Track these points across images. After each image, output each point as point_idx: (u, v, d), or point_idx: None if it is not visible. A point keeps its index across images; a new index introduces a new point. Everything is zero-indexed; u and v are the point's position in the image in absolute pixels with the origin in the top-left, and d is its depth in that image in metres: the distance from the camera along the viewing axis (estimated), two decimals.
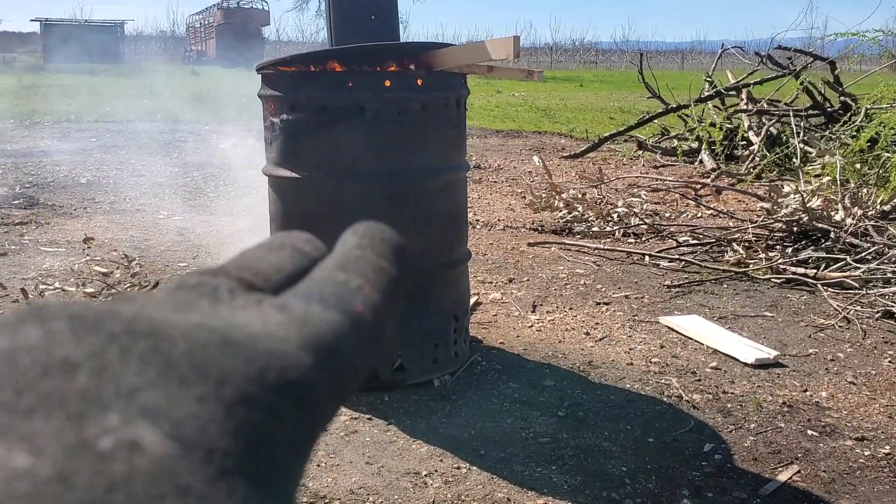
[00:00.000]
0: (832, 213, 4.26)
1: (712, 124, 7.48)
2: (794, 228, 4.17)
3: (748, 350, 2.82)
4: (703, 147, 7.29)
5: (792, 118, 6.72)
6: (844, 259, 3.71)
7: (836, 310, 3.25)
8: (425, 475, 2.03)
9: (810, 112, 7.34)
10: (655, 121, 8.34)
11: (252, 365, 0.20)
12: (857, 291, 3.43)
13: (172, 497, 0.17)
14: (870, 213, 4.28)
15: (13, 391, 0.18)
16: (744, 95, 7.74)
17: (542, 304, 3.39)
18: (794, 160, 5.83)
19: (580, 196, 5.29)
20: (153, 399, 0.18)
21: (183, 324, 0.21)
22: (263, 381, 0.20)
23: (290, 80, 2.47)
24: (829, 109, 7.34)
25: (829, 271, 3.65)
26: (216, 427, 0.18)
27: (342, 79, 2.42)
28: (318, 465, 2.06)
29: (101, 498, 0.16)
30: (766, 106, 7.62)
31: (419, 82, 2.47)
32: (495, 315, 3.24)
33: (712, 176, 6.49)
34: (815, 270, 3.65)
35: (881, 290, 3.40)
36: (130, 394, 0.18)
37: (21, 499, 0.16)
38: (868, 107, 6.43)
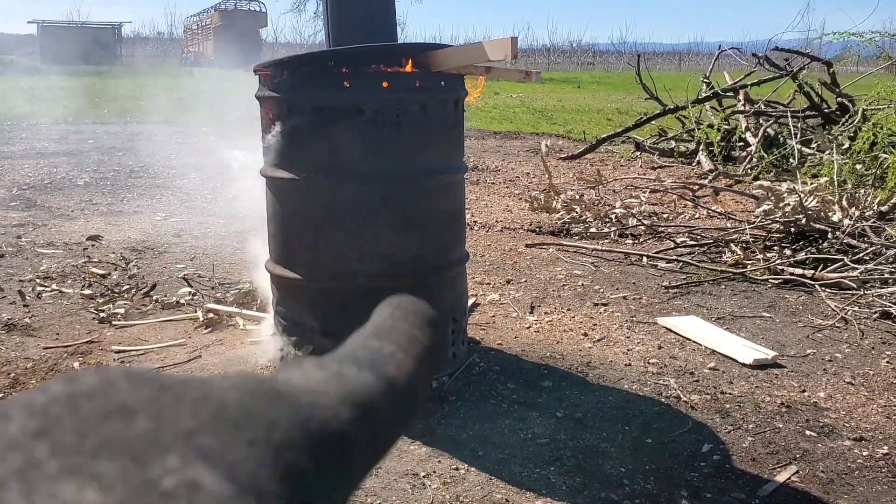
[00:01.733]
0: (830, 214, 4.27)
1: (710, 125, 7.49)
2: (792, 229, 4.18)
3: (746, 351, 2.82)
4: (701, 148, 7.30)
5: (790, 119, 6.73)
6: (842, 260, 3.72)
7: (834, 310, 3.26)
8: (423, 476, 2.03)
9: (807, 113, 7.35)
10: (653, 122, 8.35)
11: (297, 414, 0.22)
12: (854, 292, 3.43)
13: None
14: (867, 213, 4.29)
15: (77, 434, 0.19)
16: (741, 97, 7.75)
17: (540, 306, 3.39)
18: (792, 161, 5.84)
19: (578, 197, 5.29)
20: (208, 442, 0.20)
21: (230, 376, 0.23)
22: (307, 429, 0.22)
23: (287, 82, 2.46)
24: (826, 110, 7.35)
25: (827, 272, 3.65)
26: (267, 471, 0.20)
27: (340, 80, 2.42)
28: None
29: None
30: (763, 107, 7.63)
31: (417, 83, 2.47)
32: (493, 316, 3.24)
33: (710, 177, 6.49)
34: (812, 271, 3.66)
35: (879, 290, 3.40)
36: (187, 437, 0.20)
37: None
38: (865, 108, 6.44)
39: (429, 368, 0.27)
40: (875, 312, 3.23)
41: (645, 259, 4.08)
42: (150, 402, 0.20)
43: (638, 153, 8.00)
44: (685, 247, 4.28)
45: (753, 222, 4.41)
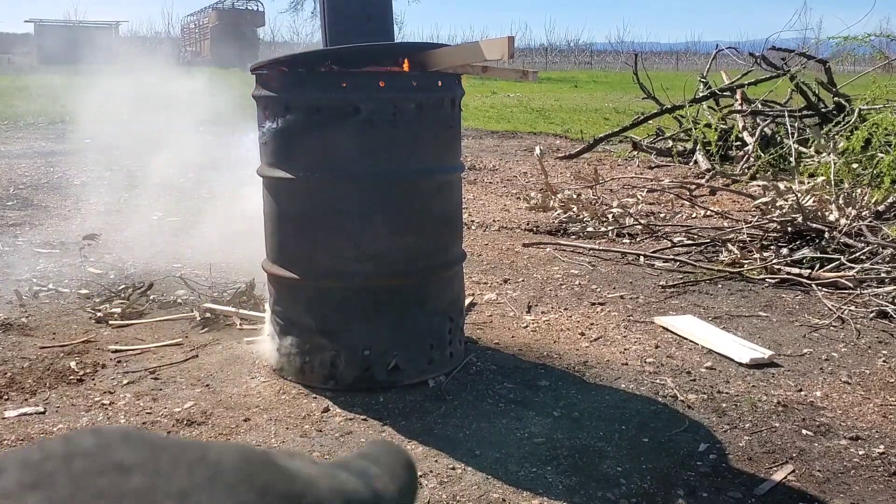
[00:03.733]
0: (826, 214, 4.27)
1: (707, 125, 7.50)
2: (789, 229, 4.18)
3: (743, 350, 2.82)
4: (698, 148, 7.30)
5: (787, 119, 6.74)
6: (839, 259, 3.72)
7: (831, 310, 3.26)
8: (420, 476, 2.03)
9: (804, 112, 7.36)
10: (650, 121, 8.36)
11: (292, 487, 0.22)
12: (851, 291, 3.44)
13: None
14: (864, 213, 4.29)
15: (71, 488, 0.19)
16: (738, 96, 7.76)
17: (537, 305, 3.39)
18: (789, 160, 5.84)
19: (575, 196, 5.29)
20: (203, 501, 0.20)
21: (231, 445, 0.23)
22: (305, 502, 0.22)
23: (284, 81, 2.46)
24: (823, 110, 7.36)
25: (824, 271, 3.66)
26: None
27: (336, 79, 2.42)
28: None
29: None
30: (760, 106, 7.63)
31: (414, 83, 2.46)
32: (490, 316, 3.24)
33: (707, 176, 6.50)
34: (809, 270, 3.66)
35: (875, 289, 3.41)
36: (182, 495, 0.20)
37: None
38: (862, 108, 6.45)
39: (409, 502, 0.27)
40: (871, 312, 3.24)
41: (642, 258, 4.08)
42: (145, 461, 0.21)
43: (635, 153, 8.01)
44: (682, 246, 4.28)
45: (750, 222, 4.41)
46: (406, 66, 2.54)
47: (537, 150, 6.14)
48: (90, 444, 0.21)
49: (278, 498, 0.21)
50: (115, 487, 0.19)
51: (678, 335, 3.02)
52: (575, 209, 5.02)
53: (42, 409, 2.37)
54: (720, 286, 3.65)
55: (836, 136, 6.32)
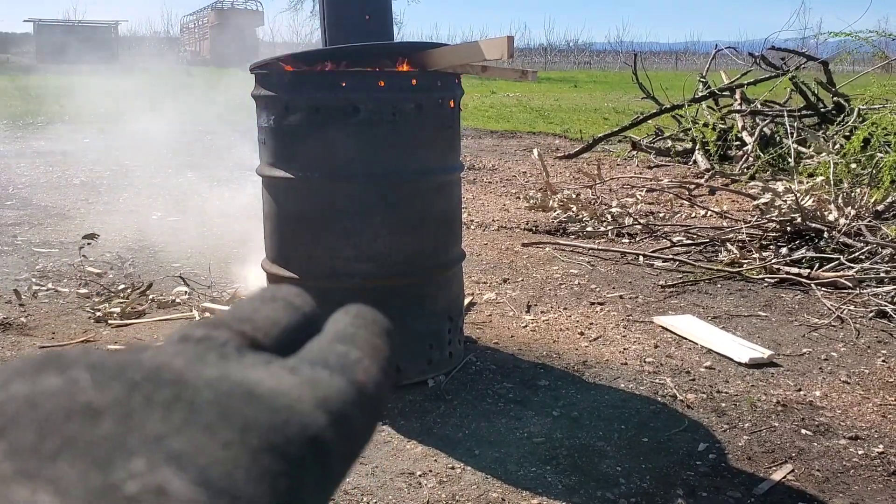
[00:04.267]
0: (826, 213, 4.27)
1: (706, 125, 7.49)
2: (788, 228, 4.18)
3: (742, 349, 2.82)
4: (697, 147, 7.30)
5: (786, 118, 6.74)
6: (838, 259, 3.72)
7: (830, 309, 3.26)
8: (419, 475, 2.03)
9: (804, 112, 7.36)
10: (650, 121, 8.36)
11: (275, 417, 0.21)
12: (850, 291, 3.44)
13: None
14: (863, 213, 4.29)
15: (36, 435, 0.18)
16: (737, 96, 7.76)
17: (536, 305, 3.39)
18: (788, 160, 5.84)
19: (575, 196, 5.29)
20: (179, 445, 0.19)
21: (204, 374, 0.22)
22: (286, 433, 0.21)
23: (283, 81, 2.46)
24: (822, 110, 7.36)
25: (823, 271, 3.66)
26: (242, 473, 0.19)
27: (336, 79, 2.42)
28: None
29: None
30: (759, 106, 7.64)
31: (413, 82, 2.46)
32: (490, 315, 3.24)
33: (706, 176, 6.50)
34: (808, 270, 3.66)
35: (874, 289, 3.41)
36: (156, 440, 0.19)
37: None
38: (861, 107, 6.45)
39: (391, 378, 0.26)
40: (871, 311, 3.24)
41: (641, 258, 4.08)
42: (117, 404, 0.19)
43: (634, 152, 8.01)
44: (681, 246, 4.28)
45: (749, 221, 4.41)
46: (405, 66, 2.54)
47: (535, 153, 6.14)
48: (56, 384, 0.20)
49: (261, 432, 0.20)
50: (83, 434, 0.18)
51: (677, 335, 3.02)
52: (574, 209, 5.02)
53: None
54: (719, 286, 3.65)
55: (836, 137, 6.32)
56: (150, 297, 3.38)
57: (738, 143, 7.28)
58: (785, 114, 7.00)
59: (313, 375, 0.23)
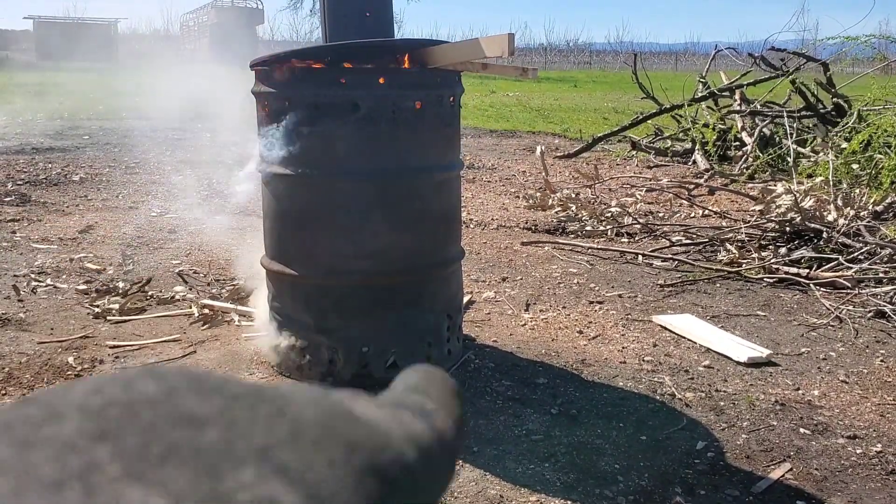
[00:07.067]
0: (825, 214, 4.28)
1: (706, 125, 7.50)
2: (787, 228, 4.18)
3: (741, 349, 2.83)
4: (697, 147, 7.31)
5: (786, 119, 6.74)
6: (837, 259, 3.73)
7: (829, 309, 3.26)
8: None
9: (803, 113, 7.36)
10: (649, 121, 8.36)
11: (376, 441, 0.21)
12: (849, 291, 3.44)
13: None
14: (862, 213, 4.30)
15: (140, 439, 0.18)
16: (737, 96, 7.77)
17: (535, 303, 3.39)
18: (788, 161, 5.85)
19: (574, 195, 5.30)
20: (286, 459, 0.19)
21: (305, 392, 0.22)
22: (386, 458, 0.21)
23: (283, 77, 2.46)
24: (821, 111, 7.36)
25: (822, 271, 3.66)
26: (347, 493, 0.19)
27: (336, 76, 2.41)
28: None
29: None
30: (759, 107, 7.64)
31: (413, 80, 2.46)
32: (489, 313, 3.24)
33: (706, 176, 6.50)
34: (807, 270, 3.66)
35: (873, 289, 3.41)
36: (262, 451, 0.19)
37: None
38: (861, 109, 6.45)
39: (464, 434, 0.26)
40: (869, 311, 3.24)
41: (640, 257, 4.08)
42: (220, 413, 0.19)
43: (634, 152, 8.01)
44: (680, 245, 4.29)
45: (749, 221, 4.42)
46: (406, 63, 2.54)
47: (538, 150, 6.14)
48: (154, 391, 0.20)
49: (364, 454, 0.20)
50: (189, 441, 0.18)
51: (676, 334, 3.03)
52: (573, 208, 5.02)
53: None
54: (718, 285, 3.65)
55: (836, 138, 6.33)
56: (150, 293, 3.37)
57: (737, 143, 7.28)
58: (784, 115, 7.00)
59: (398, 414, 0.24)
